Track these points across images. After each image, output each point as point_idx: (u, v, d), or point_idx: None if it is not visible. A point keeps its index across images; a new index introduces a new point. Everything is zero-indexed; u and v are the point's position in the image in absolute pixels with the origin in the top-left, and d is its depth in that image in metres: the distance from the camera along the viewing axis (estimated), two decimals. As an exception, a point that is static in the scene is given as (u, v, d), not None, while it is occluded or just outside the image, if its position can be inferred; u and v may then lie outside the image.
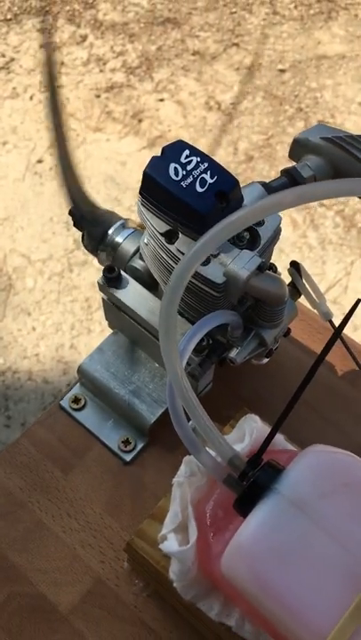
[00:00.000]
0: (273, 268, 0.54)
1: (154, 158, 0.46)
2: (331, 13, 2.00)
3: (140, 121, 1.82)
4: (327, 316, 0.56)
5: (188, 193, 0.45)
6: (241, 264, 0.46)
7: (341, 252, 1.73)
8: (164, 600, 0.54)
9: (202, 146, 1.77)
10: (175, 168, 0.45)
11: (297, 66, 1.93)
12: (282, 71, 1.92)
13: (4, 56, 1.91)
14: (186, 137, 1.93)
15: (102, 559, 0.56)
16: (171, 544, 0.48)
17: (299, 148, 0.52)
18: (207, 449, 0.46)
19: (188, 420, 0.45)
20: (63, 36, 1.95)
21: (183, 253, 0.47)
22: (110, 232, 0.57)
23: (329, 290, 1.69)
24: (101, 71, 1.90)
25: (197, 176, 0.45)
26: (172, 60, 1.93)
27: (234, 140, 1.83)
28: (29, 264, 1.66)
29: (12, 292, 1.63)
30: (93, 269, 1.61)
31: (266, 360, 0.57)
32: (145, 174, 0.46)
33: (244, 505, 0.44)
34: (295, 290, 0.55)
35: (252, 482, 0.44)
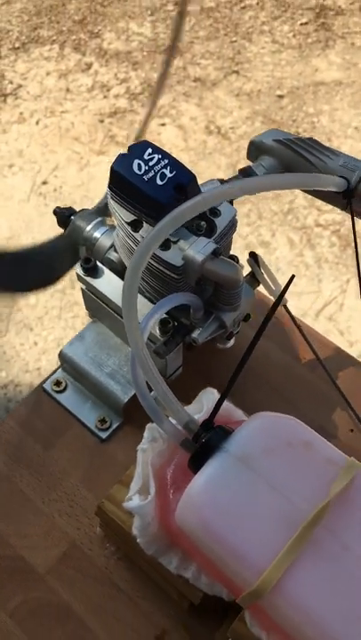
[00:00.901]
0: (235, 259, 0.61)
1: (120, 155, 0.53)
2: (328, 42, 2.09)
3: (141, 144, 1.91)
4: (282, 302, 0.62)
5: (149, 186, 0.52)
6: (197, 249, 0.53)
7: (337, 271, 1.80)
8: (132, 562, 0.60)
9: (201, 168, 1.85)
10: (139, 164, 0.52)
11: (295, 92, 2.02)
12: (280, 97, 2.01)
13: (11, 83, 2.02)
14: (186, 160, 2.02)
15: (78, 526, 0.62)
16: (133, 501, 0.54)
17: (254, 149, 0.59)
18: (168, 417, 0.52)
19: (151, 391, 0.51)
20: (69, 64, 2.06)
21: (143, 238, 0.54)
22: (88, 229, 0.64)
23: (325, 307, 1.75)
24: (105, 97, 2.00)
25: (158, 171, 0.52)
26: (174, 87, 2.03)
27: (233, 162, 1.91)
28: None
29: (15, 308, 1.70)
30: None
31: (230, 344, 0.63)
32: (112, 169, 0.53)
33: (197, 462, 0.50)
34: (254, 279, 0.62)
35: (203, 442, 0.50)
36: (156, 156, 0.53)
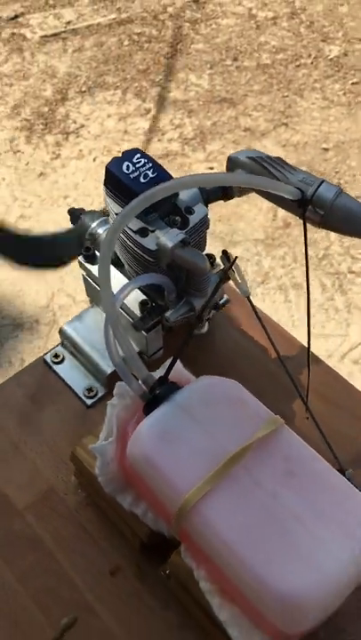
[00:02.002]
0: (212, 257, 0.74)
1: (114, 158, 0.67)
2: (376, 101, 2.24)
3: (188, 185, 2.08)
4: (245, 294, 0.73)
5: (134, 182, 0.66)
6: (169, 237, 0.65)
7: (366, 318, 1.89)
8: (97, 506, 0.71)
9: (244, 210, 2.00)
10: (127, 165, 0.66)
11: (340, 146, 2.16)
12: (325, 150, 2.15)
13: (75, 122, 2.24)
14: (232, 202, 2.18)
15: (57, 474, 0.74)
16: (97, 444, 0.65)
17: (231, 164, 0.72)
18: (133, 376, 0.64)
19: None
20: (129, 109, 2.26)
21: (130, 228, 0.67)
22: (93, 225, 0.77)
23: (351, 351, 1.84)
24: (159, 140, 2.19)
25: (143, 172, 0.66)
26: (225, 135, 2.20)
27: (274, 206, 2.05)
28: (74, 303, 1.89)
29: (54, 327, 1.86)
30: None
31: (204, 329, 0.75)
32: (106, 169, 0.67)
33: (149, 409, 0.62)
34: (226, 275, 0.74)
35: (156, 393, 0.62)
36: (143, 160, 0.67)
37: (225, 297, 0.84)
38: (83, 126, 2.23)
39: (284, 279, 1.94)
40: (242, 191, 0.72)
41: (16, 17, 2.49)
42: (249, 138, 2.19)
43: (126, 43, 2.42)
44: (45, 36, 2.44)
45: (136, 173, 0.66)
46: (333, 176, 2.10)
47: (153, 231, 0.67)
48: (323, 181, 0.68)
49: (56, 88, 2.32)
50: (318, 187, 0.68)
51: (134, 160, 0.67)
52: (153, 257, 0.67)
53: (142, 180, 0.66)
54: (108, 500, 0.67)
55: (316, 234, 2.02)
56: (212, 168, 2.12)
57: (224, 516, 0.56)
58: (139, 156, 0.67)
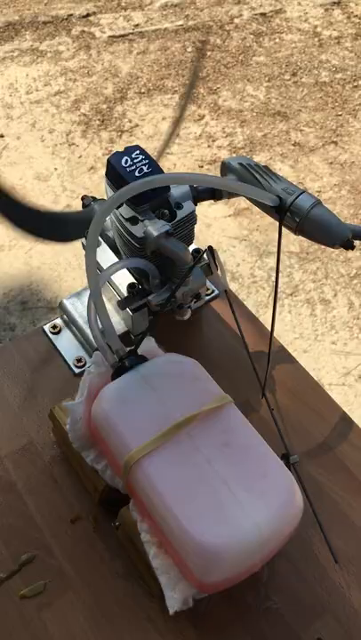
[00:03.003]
0: (199, 251, 0.83)
1: (116, 152, 0.77)
2: None
3: (231, 192, 2.17)
4: (223, 287, 0.82)
5: (130, 175, 0.75)
6: (155, 227, 0.75)
7: (389, 340, 1.93)
8: (68, 462, 0.80)
9: (280, 222, 2.07)
10: (126, 159, 0.76)
11: (387, 168, 2.21)
12: (371, 171, 2.21)
13: (130, 122, 2.36)
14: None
15: (38, 430, 0.84)
16: (69, 401, 0.75)
17: (224, 168, 0.81)
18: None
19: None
20: (184, 113, 2.37)
21: (123, 216, 0.77)
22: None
23: (369, 371, 1.89)
24: (209, 147, 2.29)
25: (139, 166, 0.75)
26: (274, 147, 2.28)
27: (312, 222, 2.12)
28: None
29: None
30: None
31: (187, 316, 0.84)
32: (108, 161, 0.77)
33: (115, 375, 0.71)
34: (209, 269, 0.82)
35: (123, 362, 0.71)
36: (141, 157, 0.76)
37: (215, 291, 0.92)
38: (137, 126, 2.35)
39: (312, 293, 2.01)
40: (230, 194, 0.81)
41: (88, 15, 2.63)
42: (297, 152, 2.27)
43: (190, 49, 2.53)
44: (113, 37, 2.57)
45: (133, 167, 0.75)
46: (376, 198, 2.16)
47: (142, 220, 0.76)
48: (303, 192, 0.77)
49: (117, 87, 2.44)
50: (298, 196, 0.76)
51: (133, 155, 0.76)
52: (139, 243, 0.76)
53: (137, 173, 0.75)
54: (76, 455, 0.76)
55: (350, 253, 2.08)
56: (256, 178, 2.21)
57: (162, 473, 0.64)
58: (138, 152, 0.76)
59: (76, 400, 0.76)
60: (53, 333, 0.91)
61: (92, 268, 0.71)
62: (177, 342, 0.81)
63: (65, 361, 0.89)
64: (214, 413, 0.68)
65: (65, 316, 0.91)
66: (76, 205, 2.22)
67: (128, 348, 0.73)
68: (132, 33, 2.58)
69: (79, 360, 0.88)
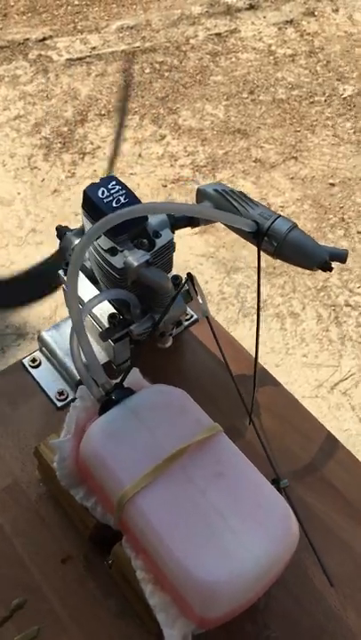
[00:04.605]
0: (178, 278, 0.82)
1: (91, 184, 0.76)
2: (385, 141, 2.32)
3: (196, 211, 2.17)
4: (204, 314, 0.81)
5: (107, 206, 0.74)
6: (135, 257, 0.73)
7: (360, 350, 1.95)
8: (55, 500, 0.78)
9: (245, 238, 2.08)
10: (103, 190, 0.74)
11: (347, 182, 2.24)
12: (332, 185, 2.24)
13: (92, 144, 2.34)
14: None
15: (23, 468, 0.81)
16: (56, 439, 0.73)
17: (200, 195, 0.80)
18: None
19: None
20: (145, 134, 2.36)
21: (102, 247, 0.75)
22: (76, 242, 0.86)
23: (341, 382, 1.90)
24: (172, 166, 2.29)
25: (116, 197, 0.74)
26: (235, 164, 2.29)
27: (277, 237, 2.13)
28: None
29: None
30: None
31: (168, 343, 0.83)
32: (84, 192, 0.75)
33: (102, 410, 0.69)
34: (188, 295, 0.81)
35: (110, 396, 0.69)
36: (117, 187, 0.75)
37: (194, 316, 0.91)
38: (99, 148, 2.34)
39: (281, 307, 2.01)
40: (207, 220, 0.80)
41: (44, 39, 2.62)
42: (258, 169, 2.28)
43: (148, 70, 2.53)
44: (71, 60, 2.56)
45: (110, 198, 0.74)
46: (338, 211, 2.18)
47: (122, 251, 0.74)
48: (279, 216, 0.76)
49: (77, 110, 2.43)
50: (274, 221, 0.75)
51: (109, 186, 0.75)
52: (120, 274, 0.75)
53: (114, 204, 0.74)
54: (64, 492, 0.74)
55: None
56: (220, 196, 2.21)
57: (157, 508, 0.63)
58: (114, 183, 0.75)
59: (63, 437, 0.74)
60: (33, 367, 0.89)
61: (74, 301, 0.69)
62: (159, 369, 0.80)
63: (46, 394, 0.87)
64: (206, 443, 0.66)
65: (44, 349, 0.89)
66: (41, 229, 2.20)
67: (114, 381, 0.72)
68: (89, 56, 2.57)
69: (61, 393, 0.86)
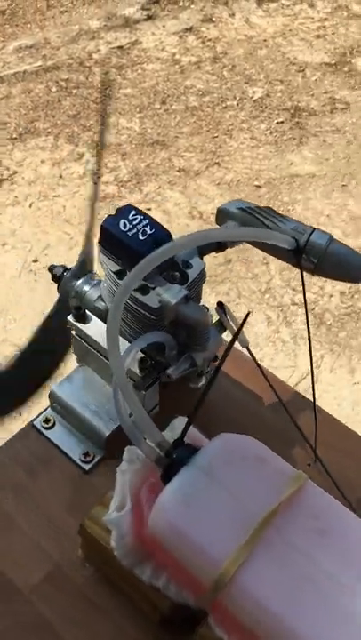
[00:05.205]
0: (207, 309, 0.71)
1: (109, 216, 0.64)
2: (302, 139, 2.30)
3: (128, 227, 2.06)
4: (244, 344, 0.71)
5: (133, 240, 0.63)
6: (172, 294, 0.63)
7: (312, 347, 1.91)
8: (108, 580, 0.66)
9: (184, 249, 1.99)
10: (124, 222, 0.63)
11: (272, 182, 2.20)
12: (258, 187, 2.19)
13: (7, 169, 2.18)
14: (170, 242, 2.17)
15: (60, 550, 0.69)
16: (111, 515, 0.61)
17: (221, 216, 0.70)
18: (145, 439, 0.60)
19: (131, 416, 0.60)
20: (62, 154, 2.23)
21: (129, 287, 0.64)
22: (79, 283, 0.74)
23: (301, 381, 1.85)
24: (95, 184, 2.17)
25: (140, 228, 0.63)
26: (160, 176, 2.20)
27: (214, 245, 2.05)
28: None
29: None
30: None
31: (201, 382, 0.72)
32: (102, 227, 0.64)
33: (168, 475, 0.58)
34: (221, 325, 0.72)
35: (173, 457, 0.58)
36: (139, 217, 0.64)
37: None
38: (16, 173, 2.18)
39: (230, 315, 1.94)
40: (234, 243, 0.70)
41: None
42: (184, 178, 2.20)
43: (54, 89, 2.39)
44: (-29, 84, 2.39)
45: (134, 230, 0.63)
46: (268, 212, 2.13)
47: (154, 288, 0.64)
48: (314, 230, 0.68)
49: (-14, 136, 2.26)
50: (311, 234, 0.67)
51: (130, 217, 0.64)
52: (156, 314, 0.64)
53: (141, 236, 0.63)
54: (123, 572, 0.62)
55: (256, 268, 2.04)
56: (149, 209, 2.11)
57: (264, 585, 0.53)
58: (134, 212, 0.64)
59: (114, 509, 0.62)
60: (47, 428, 0.76)
61: (116, 352, 0.58)
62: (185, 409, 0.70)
63: (69, 458, 0.74)
64: (296, 497, 0.57)
65: (57, 406, 0.76)
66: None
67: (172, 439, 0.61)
68: (-10, 79, 2.40)
69: (87, 454, 0.74)
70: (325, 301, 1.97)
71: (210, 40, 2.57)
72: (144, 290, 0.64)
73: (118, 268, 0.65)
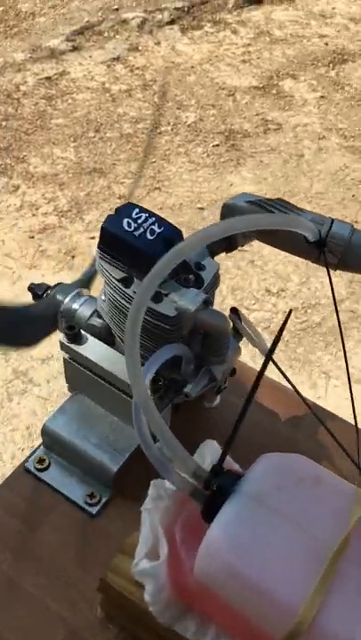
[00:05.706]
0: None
1: (109, 216, 0.55)
2: (239, 160, 2.26)
3: (73, 257, 1.95)
4: (264, 351, 0.63)
5: (140, 241, 0.53)
6: (189, 299, 0.54)
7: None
8: (139, 640, 0.55)
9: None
10: (128, 222, 0.54)
11: (214, 204, 2.14)
12: (201, 209, 2.13)
13: None
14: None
15: (74, 611, 0.57)
16: (143, 564, 0.51)
17: (229, 211, 0.62)
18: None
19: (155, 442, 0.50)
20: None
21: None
22: (66, 301, 0.64)
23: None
24: (34, 215, 2.05)
25: (147, 227, 0.54)
26: (101, 204, 2.11)
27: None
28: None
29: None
30: (33, 397, 1.65)
31: (217, 401, 0.63)
32: (103, 229, 0.54)
33: (211, 510, 0.48)
34: (237, 332, 0.63)
35: (216, 487, 0.49)
36: (144, 215, 0.55)
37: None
38: None
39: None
40: (245, 240, 0.62)
41: None
42: (125, 205, 2.12)
43: (-17, 122, 2.28)
44: None
45: (140, 230, 0.54)
46: (214, 233, 2.08)
47: (167, 294, 0.54)
48: (333, 219, 0.60)
49: None
50: (331, 225, 0.59)
51: (134, 216, 0.55)
52: (172, 324, 0.54)
53: (149, 236, 0.54)
54: (159, 631, 0.52)
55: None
56: (93, 238, 2.02)
57: (346, 627, 0.43)
58: (137, 210, 0.55)
59: (142, 556, 0.51)
60: (41, 470, 0.64)
61: (138, 374, 0.48)
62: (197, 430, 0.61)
63: (72, 502, 0.63)
64: (362, 519, 0.48)
65: (50, 443, 0.65)
66: None
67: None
68: None
69: (91, 496, 0.63)
70: (280, 318, 1.92)
71: (138, 68, 2.52)
72: (157, 297, 0.54)
73: (123, 274, 0.55)
